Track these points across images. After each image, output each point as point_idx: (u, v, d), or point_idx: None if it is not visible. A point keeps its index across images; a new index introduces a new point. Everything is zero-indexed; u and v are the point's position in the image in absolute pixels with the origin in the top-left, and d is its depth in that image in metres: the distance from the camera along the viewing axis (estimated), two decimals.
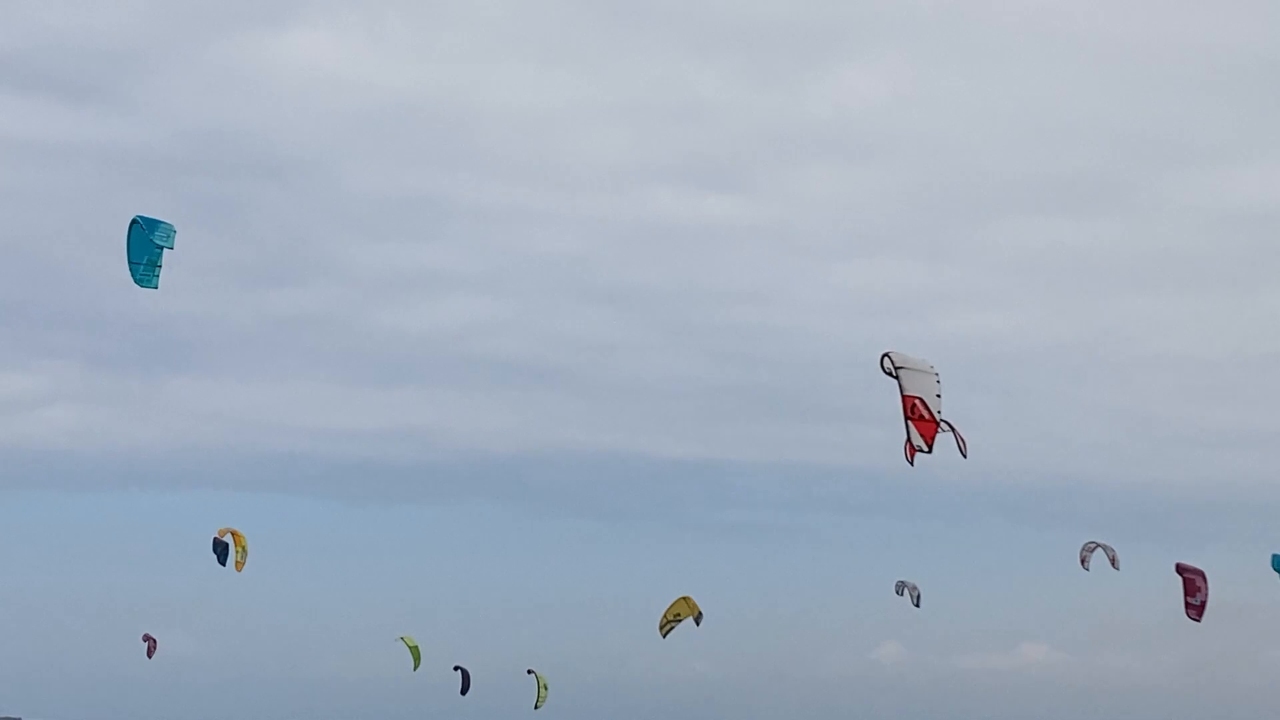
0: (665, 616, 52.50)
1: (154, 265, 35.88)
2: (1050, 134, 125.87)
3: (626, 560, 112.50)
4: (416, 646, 61.36)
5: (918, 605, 58.40)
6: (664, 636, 52.75)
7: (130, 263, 36.07)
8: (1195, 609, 46.93)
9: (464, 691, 62.02)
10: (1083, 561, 51.05)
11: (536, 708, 59.96)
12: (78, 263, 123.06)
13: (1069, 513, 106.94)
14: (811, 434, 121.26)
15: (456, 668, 62.50)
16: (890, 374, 28.27)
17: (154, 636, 63.71)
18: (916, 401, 27.78)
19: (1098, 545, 51.01)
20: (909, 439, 27.98)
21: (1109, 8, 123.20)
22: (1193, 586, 46.87)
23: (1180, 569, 47.41)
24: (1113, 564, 50.74)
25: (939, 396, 28.10)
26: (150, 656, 63.42)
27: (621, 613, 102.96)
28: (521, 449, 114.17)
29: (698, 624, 52.40)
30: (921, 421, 27.85)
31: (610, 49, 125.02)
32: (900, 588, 58.92)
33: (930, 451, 28.13)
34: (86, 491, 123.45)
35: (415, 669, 61.07)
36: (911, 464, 27.92)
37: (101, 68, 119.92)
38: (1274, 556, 48.61)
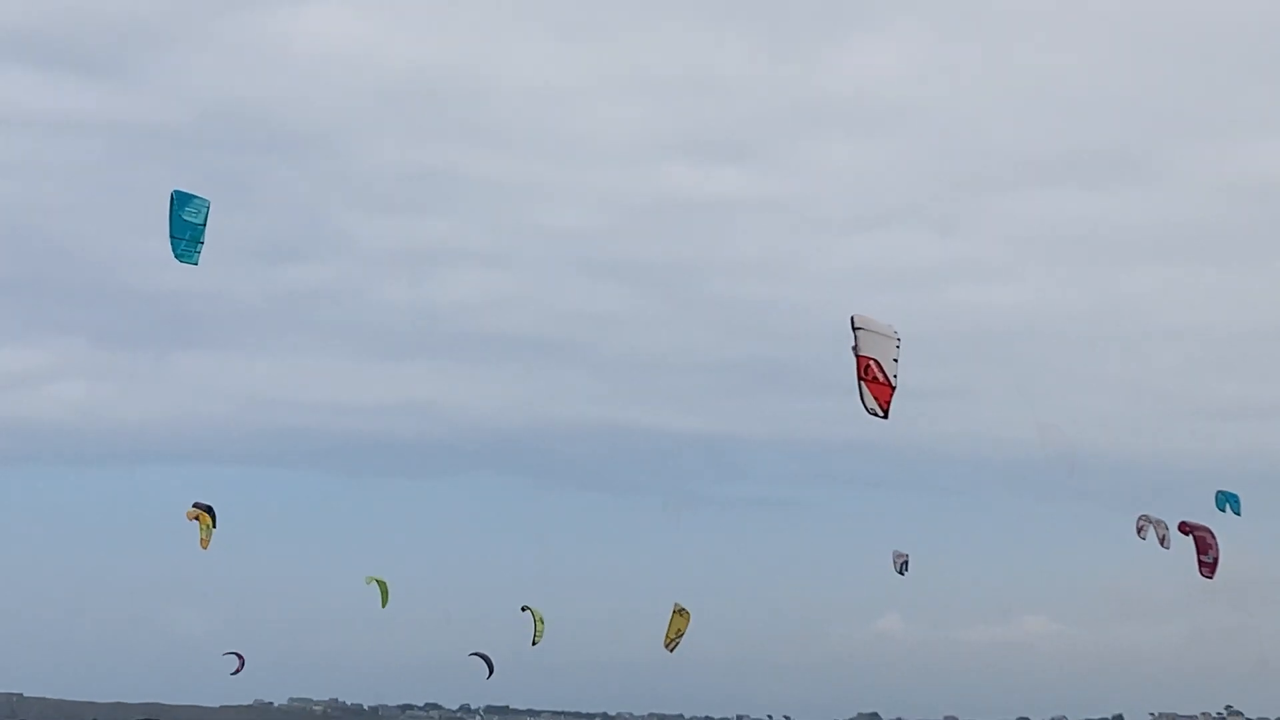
0: (669, 636, 53.42)
1: (195, 242, 35.84)
2: (1063, 107, 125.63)
3: (634, 533, 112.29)
4: (384, 582, 61.05)
5: (902, 573, 58.31)
6: (671, 651, 53.71)
7: (171, 238, 35.99)
8: (1209, 566, 46.11)
9: (490, 675, 62.20)
10: (1139, 531, 50.50)
11: (534, 644, 60.06)
12: (87, 238, 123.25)
13: (1078, 485, 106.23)
14: (819, 408, 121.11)
15: (474, 653, 62.42)
16: (853, 346, 27.56)
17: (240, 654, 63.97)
18: (871, 363, 27.00)
19: (1149, 521, 50.31)
20: (862, 401, 27.17)
21: None
22: (1204, 544, 46.06)
23: (1189, 528, 46.50)
24: (1161, 543, 49.83)
25: (896, 361, 27.31)
26: (236, 673, 63.72)
27: (629, 584, 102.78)
28: (529, 423, 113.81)
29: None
30: (875, 384, 27.08)
31: (623, 23, 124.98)
32: (895, 558, 58.75)
33: (885, 416, 27.31)
34: (94, 467, 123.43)
35: (384, 606, 60.80)
36: (885, 416, 27.05)
37: (115, 43, 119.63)
38: (1218, 494, 48.14)
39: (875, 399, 27.06)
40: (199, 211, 35.63)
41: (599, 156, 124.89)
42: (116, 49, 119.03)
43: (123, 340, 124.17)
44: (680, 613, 54.87)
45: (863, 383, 27.02)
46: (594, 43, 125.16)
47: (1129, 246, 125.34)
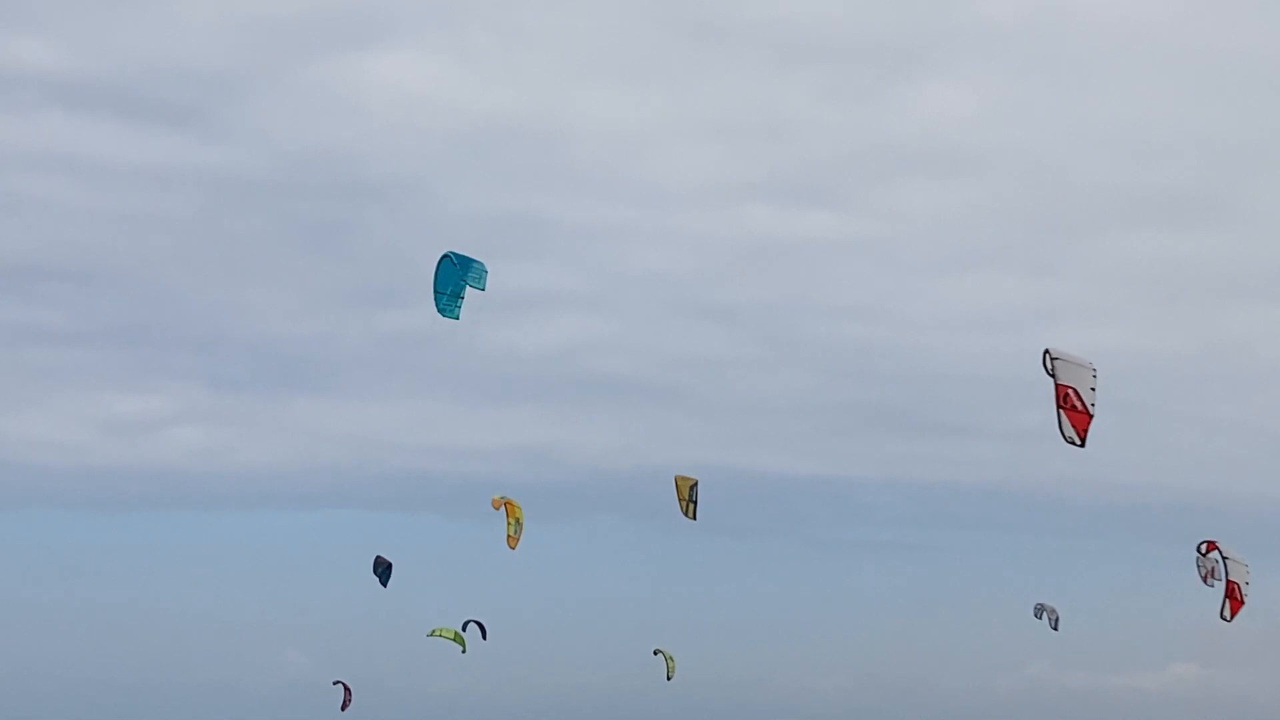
0: (681, 497, 51.06)
1: (457, 297, 36.82)
2: (1146, 145, 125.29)
3: (750, 576, 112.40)
4: (456, 634, 60.39)
5: (1056, 628, 57.68)
6: (691, 516, 51.14)
7: (436, 293, 37.17)
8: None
9: (486, 635, 60.44)
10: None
11: (669, 678, 60.47)
12: (190, 286, 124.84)
13: (1197, 530, 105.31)
14: (930, 449, 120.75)
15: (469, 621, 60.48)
16: (1049, 372, 28.22)
17: (348, 685, 63.81)
18: (1070, 391, 27.68)
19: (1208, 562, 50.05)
20: (1060, 429, 27.87)
21: (1201, 17, 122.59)
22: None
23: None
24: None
25: (1094, 390, 28.01)
26: (344, 709, 63.65)
27: (745, 627, 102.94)
28: (641, 466, 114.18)
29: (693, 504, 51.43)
30: (1074, 412, 27.74)
31: (695, 68, 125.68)
32: (1039, 610, 58.24)
33: (1083, 445, 27.96)
34: (213, 510, 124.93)
35: (464, 651, 60.01)
36: (1082, 445, 27.78)
37: (200, 93, 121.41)
38: None
39: (1074, 427, 27.70)
40: (480, 278, 36.57)
41: (680, 200, 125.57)
42: (200, 100, 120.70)
43: (238, 386, 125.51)
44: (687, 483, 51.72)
45: (1061, 410, 27.67)
46: (667, 88, 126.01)
47: (1225, 286, 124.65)
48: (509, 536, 53.93)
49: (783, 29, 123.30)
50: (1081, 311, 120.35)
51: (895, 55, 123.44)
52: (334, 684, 63.95)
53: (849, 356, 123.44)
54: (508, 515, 54.11)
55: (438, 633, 61.11)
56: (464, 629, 60.27)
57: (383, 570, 57.96)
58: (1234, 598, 38.23)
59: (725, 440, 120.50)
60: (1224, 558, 37.72)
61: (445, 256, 37.26)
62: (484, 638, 60.12)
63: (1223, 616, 38.53)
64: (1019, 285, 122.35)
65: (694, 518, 51.63)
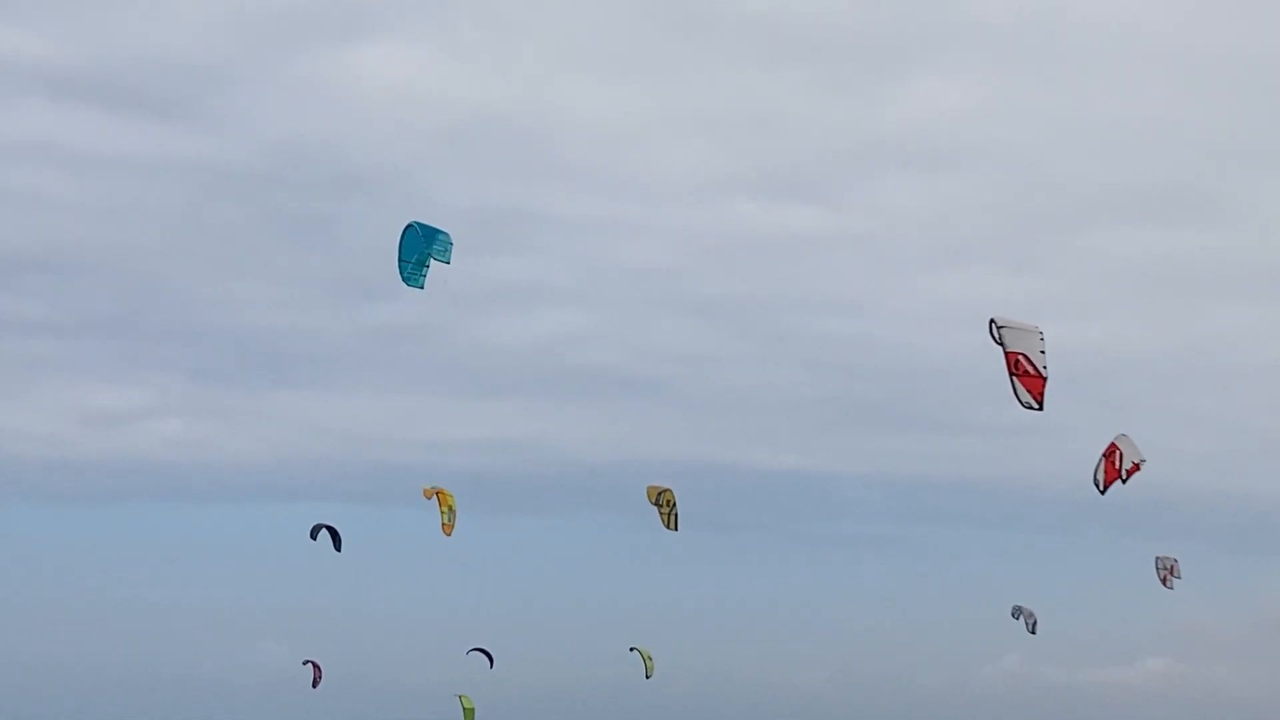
0: (654, 504, 50.49)
1: (422, 265, 36.98)
2: (1133, 143, 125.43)
3: (730, 571, 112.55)
4: (473, 709, 61.20)
5: (1033, 632, 57.85)
6: (672, 526, 50.25)
7: (401, 261, 37.34)
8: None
9: (493, 663, 60.82)
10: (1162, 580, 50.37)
11: (648, 677, 60.50)
12: (173, 277, 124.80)
13: (1176, 525, 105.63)
14: (912, 445, 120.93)
15: (474, 649, 60.92)
16: (997, 340, 28.25)
17: (318, 663, 63.78)
18: (1019, 357, 27.73)
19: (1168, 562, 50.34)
20: (1016, 396, 27.93)
21: (1189, 16, 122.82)
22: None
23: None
24: (1164, 582, 49.69)
25: (1043, 353, 28.05)
26: (315, 686, 63.61)
27: (727, 622, 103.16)
28: (624, 461, 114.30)
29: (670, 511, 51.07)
30: (1027, 377, 27.80)
31: (683, 61, 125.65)
32: (1016, 612, 58.39)
33: (1041, 408, 27.99)
34: (194, 503, 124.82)
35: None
36: (1040, 408, 27.75)
37: (183, 84, 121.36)
38: None
39: (1029, 392, 27.73)
40: (445, 250, 36.59)
41: (668, 194, 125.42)
42: (185, 90, 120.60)
43: (219, 378, 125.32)
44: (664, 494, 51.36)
45: (1014, 377, 27.72)
46: (654, 81, 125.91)
47: (1211, 283, 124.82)
48: (443, 524, 54.22)
49: (770, 23, 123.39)
50: (1067, 307, 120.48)
51: (883, 50, 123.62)
52: (304, 664, 63.97)
53: (834, 351, 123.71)
54: (440, 504, 54.09)
55: (461, 699, 61.69)
56: (467, 654, 60.46)
57: (324, 533, 57.40)
58: (1110, 461, 34.83)
59: (709, 435, 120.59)
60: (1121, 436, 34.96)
61: (410, 226, 37.01)
62: (490, 666, 60.34)
63: (1095, 482, 35.27)
64: (1005, 281, 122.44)
65: (674, 528, 51.01)
